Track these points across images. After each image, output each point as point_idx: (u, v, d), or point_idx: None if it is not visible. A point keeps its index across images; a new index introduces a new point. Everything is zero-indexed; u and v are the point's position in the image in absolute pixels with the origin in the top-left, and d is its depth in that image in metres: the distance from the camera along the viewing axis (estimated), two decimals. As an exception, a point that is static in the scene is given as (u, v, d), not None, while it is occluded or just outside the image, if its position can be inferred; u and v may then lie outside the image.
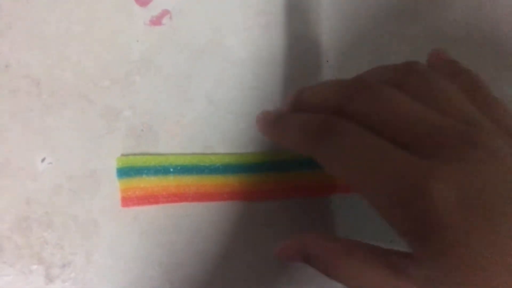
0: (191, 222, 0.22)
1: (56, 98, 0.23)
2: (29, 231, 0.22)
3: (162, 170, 0.22)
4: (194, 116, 0.23)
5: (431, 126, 0.16)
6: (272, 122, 0.21)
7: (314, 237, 0.19)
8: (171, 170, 0.22)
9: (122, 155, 0.22)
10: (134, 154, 0.22)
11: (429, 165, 0.15)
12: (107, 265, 0.22)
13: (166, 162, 0.22)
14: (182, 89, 0.23)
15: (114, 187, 0.22)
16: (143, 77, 0.24)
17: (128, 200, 0.22)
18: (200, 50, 0.24)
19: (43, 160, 0.23)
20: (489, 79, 0.19)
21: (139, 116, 0.23)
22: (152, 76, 0.24)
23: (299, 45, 0.25)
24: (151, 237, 0.22)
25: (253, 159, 0.22)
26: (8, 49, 0.24)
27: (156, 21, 0.24)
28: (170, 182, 0.22)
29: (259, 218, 0.23)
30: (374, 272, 0.16)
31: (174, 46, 0.24)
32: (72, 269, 0.22)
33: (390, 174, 0.15)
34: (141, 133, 0.23)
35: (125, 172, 0.22)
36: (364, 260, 0.17)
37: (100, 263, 0.22)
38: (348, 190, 0.22)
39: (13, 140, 0.23)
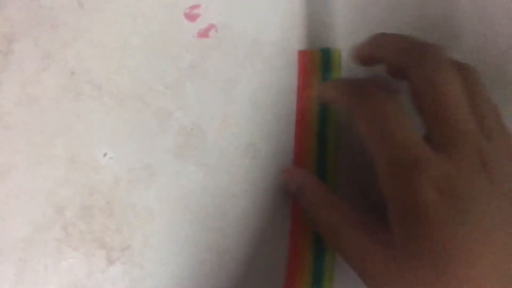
0: (239, 211, 0.24)
1: (116, 101, 0.26)
2: (92, 218, 0.24)
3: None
4: (239, 116, 0.26)
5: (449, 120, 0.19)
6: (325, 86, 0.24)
7: (310, 177, 0.23)
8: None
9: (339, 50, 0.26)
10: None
11: (423, 155, 0.18)
12: (162, 249, 0.24)
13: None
14: (227, 93, 0.26)
15: (167, 178, 0.25)
16: (192, 82, 0.26)
17: (303, 57, 0.26)
18: (242, 58, 0.27)
19: (104, 155, 0.25)
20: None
21: (189, 116, 0.26)
22: (200, 81, 0.26)
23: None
24: (201, 223, 0.24)
25: None
26: (73, 58, 0.27)
27: (203, 33, 0.27)
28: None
29: (297, 208, 0.25)
30: (349, 229, 0.20)
31: (220, 55, 0.27)
32: (131, 252, 0.24)
33: (397, 148, 0.18)
34: (190, 131, 0.26)
35: (325, 53, 0.26)
36: (344, 215, 0.20)
37: (156, 247, 0.24)
38: None
39: (78, 138, 0.25)
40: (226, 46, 0.27)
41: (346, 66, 0.26)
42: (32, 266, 0.24)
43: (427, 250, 0.17)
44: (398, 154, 0.18)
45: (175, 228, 0.24)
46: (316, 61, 0.26)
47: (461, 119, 0.19)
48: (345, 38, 0.27)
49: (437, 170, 0.18)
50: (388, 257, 0.18)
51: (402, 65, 0.20)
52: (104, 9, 0.27)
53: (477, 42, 0.27)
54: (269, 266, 0.24)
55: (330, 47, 0.26)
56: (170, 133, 0.26)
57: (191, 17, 0.28)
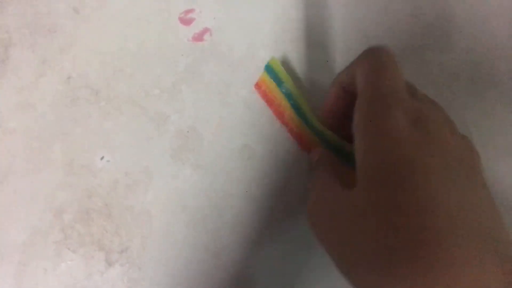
0: (235, 212, 0.25)
1: (113, 105, 0.26)
2: (91, 221, 0.25)
3: (288, 96, 0.25)
4: (233, 118, 0.26)
5: None
6: None
7: (326, 151, 0.24)
8: (291, 102, 0.25)
9: (274, 58, 0.26)
10: (282, 64, 0.26)
11: (400, 93, 0.20)
12: (160, 250, 0.24)
13: (293, 94, 0.25)
14: (222, 96, 0.27)
15: (164, 180, 0.25)
16: (188, 86, 0.27)
17: (259, 88, 0.26)
18: (236, 61, 0.27)
19: (102, 158, 0.26)
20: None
21: (185, 119, 0.26)
22: (196, 85, 0.27)
23: (319, 55, 0.28)
24: (198, 225, 0.25)
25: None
26: (69, 63, 0.27)
27: (198, 37, 0.28)
28: (287, 108, 0.25)
29: (292, 209, 0.25)
30: (325, 174, 0.22)
31: (214, 58, 0.27)
32: (129, 254, 0.24)
33: (383, 84, 0.20)
34: (187, 134, 0.26)
35: (269, 71, 0.26)
36: (328, 167, 0.22)
37: (154, 249, 0.24)
38: None
39: (75, 142, 0.26)
40: (220, 49, 0.27)
41: (321, 66, 0.27)
42: (31, 269, 0.24)
43: (394, 174, 0.17)
44: (381, 88, 0.19)
45: (172, 229, 0.25)
46: (269, 81, 0.26)
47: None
48: (338, 39, 0.28)
49: (411, 104, 0.19)
50: (351, 195, 0.19)
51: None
52: (99, 15, 0.28)
53: (470, 42, 0.28)
54: (265, 266, 0.24)
55: (267, 62, 0.26)
56: (167, 136, 0.26)
57: (185, 21, 0.28)
